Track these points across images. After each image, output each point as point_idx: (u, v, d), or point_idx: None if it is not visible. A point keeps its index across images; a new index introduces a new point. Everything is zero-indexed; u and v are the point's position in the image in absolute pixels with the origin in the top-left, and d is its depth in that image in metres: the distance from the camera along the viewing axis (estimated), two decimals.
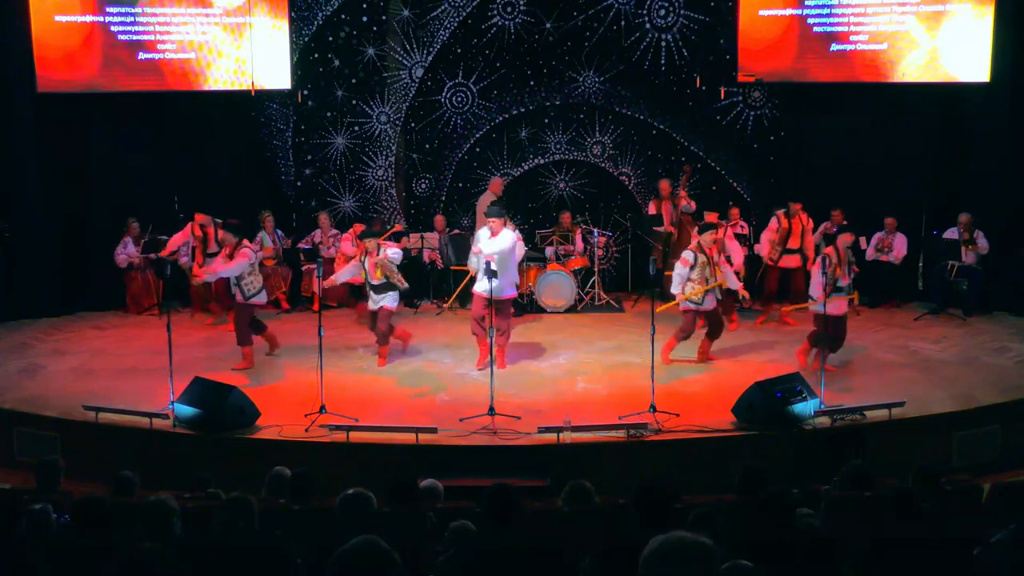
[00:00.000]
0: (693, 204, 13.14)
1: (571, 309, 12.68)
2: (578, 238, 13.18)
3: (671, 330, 11.76)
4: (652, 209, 13.21)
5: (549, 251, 13.07)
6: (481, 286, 9.98)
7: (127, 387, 9.85)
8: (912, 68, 12.46)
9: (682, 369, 10.35)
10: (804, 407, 8.69)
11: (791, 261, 12.30)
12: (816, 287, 9.91)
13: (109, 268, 12.96)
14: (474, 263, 10.44)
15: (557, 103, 13.78)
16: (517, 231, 10.96)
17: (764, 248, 12.47)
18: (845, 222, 12.78)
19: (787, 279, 12.33)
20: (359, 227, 12.08)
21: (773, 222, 12.40)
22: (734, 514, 5.79)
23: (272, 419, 8.90)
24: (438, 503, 6.62)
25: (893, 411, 8.84)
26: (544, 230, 13.35)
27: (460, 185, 13.96)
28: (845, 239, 10.13)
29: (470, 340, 11.30)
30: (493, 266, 9.52)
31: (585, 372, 10.36)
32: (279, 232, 13.30)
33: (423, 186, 13.99)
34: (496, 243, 10.15)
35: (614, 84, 13.65)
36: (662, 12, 13.47)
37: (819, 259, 9.98)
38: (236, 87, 12.93)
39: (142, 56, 12.67)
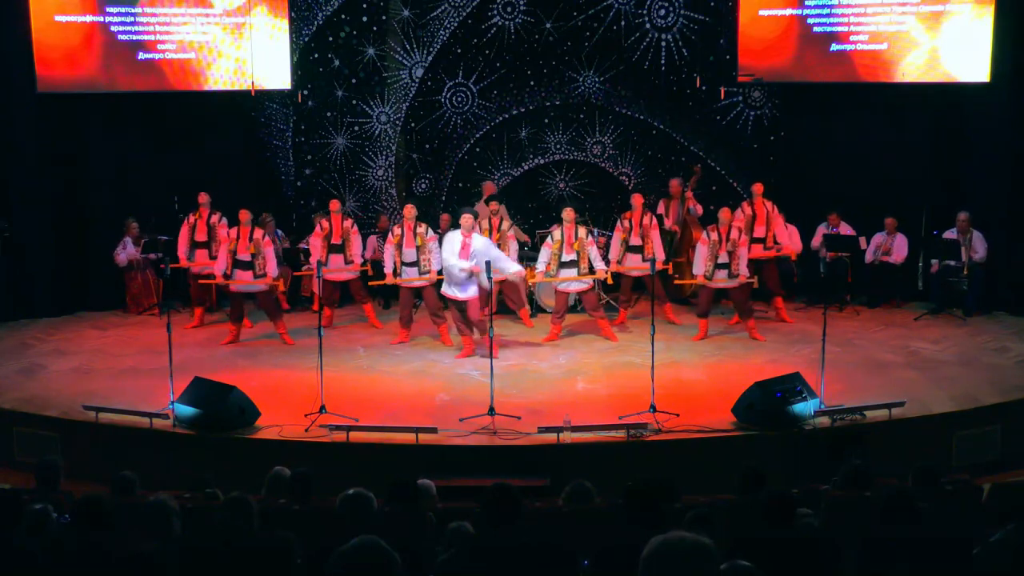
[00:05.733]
0: (700, 208, 13.10)
1: (571, 309, 12.66)
2: None
3: (670, 329, 11.79)
4: (660, 208, 13.14)
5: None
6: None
7: (127, 387, 9.84)
8: (912, 68, 12.44)
9: (682, 369, 10.35)
10: (804, 407, 8.68)
11: (761, 252, 11.97)
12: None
13: (109, 268, 12.95)
14: (455, 270, 10.62)
15: (557, 103, 13.78)
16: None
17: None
18: (842, 223, 12.80)
19: (758, 270, 11.83)
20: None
21: (739, 212, 12.12)
22: (734, 514, 5.78)
23: (272, 419, 8.89)
24: (436, 503, 6.62)
25: (893, 411, 8.83)
26: (544, 230, 13.32)
27: (460, 185, 13.95)
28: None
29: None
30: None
31: (585, 372, 10.34)
32: (279, 232, 13.27)
33: (423, 186, 13.98)
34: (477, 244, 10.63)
35: (614, 84, 13.65)
36: (662, 12, 13.47)
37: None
38: (236, 87, 12.92)
39: (142, 56, 12.67)
